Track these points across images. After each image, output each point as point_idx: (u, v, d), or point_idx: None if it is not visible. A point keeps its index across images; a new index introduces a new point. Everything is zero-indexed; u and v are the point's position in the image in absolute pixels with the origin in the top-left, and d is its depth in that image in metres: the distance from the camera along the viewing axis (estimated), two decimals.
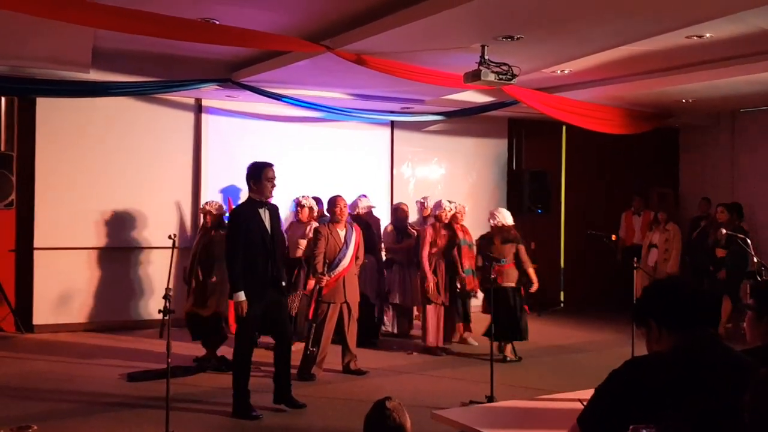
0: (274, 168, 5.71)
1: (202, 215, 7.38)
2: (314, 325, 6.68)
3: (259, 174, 5.61)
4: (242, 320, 5.52)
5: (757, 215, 10.35)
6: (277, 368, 5.78)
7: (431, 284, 7.56)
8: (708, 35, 6.21)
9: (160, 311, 4.92)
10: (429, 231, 7.72)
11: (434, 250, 7.64)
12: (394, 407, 2.37)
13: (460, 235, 7.97)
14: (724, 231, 7.71)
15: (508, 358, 7.39)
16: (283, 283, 6.04)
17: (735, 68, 7.18)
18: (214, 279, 6.92)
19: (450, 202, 7.97)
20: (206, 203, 7.34)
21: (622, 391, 2.04)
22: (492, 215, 7.60)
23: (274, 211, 5.79)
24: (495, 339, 6.49)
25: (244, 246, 5.50)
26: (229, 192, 9.07)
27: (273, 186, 5.68)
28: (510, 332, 7.31)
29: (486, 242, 7.60)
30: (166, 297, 4.87)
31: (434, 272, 7.62)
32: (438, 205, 7.88)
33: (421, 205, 8.88)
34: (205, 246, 7.04)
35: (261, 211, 5.61)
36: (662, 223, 9.50)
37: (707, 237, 9.16)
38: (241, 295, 5.44)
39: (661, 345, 2.16)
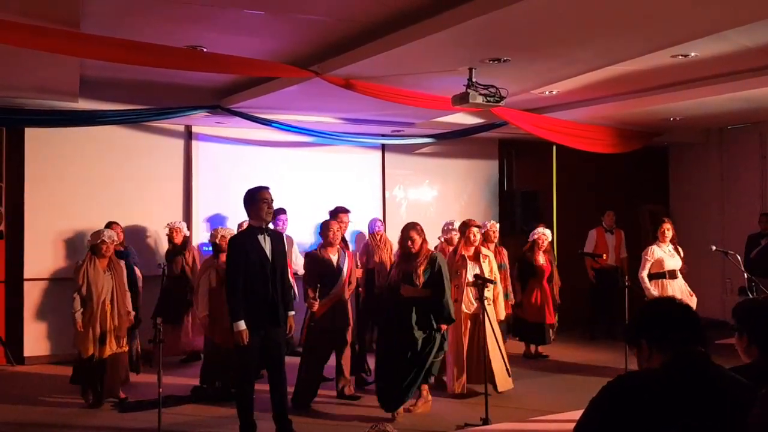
0: (269, 190, 5.56)
1: (216, 241, 7.01)
2: (307, 351, 6.62)
3: (253, 197, 5.49)
4: (242, 350, 5.38)
5: (745, 231, 10.35)
6: (274, 407, 5.56)
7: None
8: (693, 54, 6.26)
9: (150, 341, 4.87)
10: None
11: None
12: None
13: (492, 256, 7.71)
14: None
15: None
16: (291, 312, 5.71)
17: (720, 86, 7.23)
18: None
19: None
20: (222, 228, 7.18)
21: (614, 405, 2.08)
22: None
23: (276, 237, 5.61)
24: None
25: (243, 274, 5.36)
26: (215, 221, 9.03)
27: (270, 208, 5.50)
28: None
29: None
30: (155, 326, 4.83)
31: None
32: (448, 226, 7.36)
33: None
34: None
35: (261, 237, 5.45)
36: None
37: None
38: (241, 325, 5.31)
39: (651, 364, 2.21)
